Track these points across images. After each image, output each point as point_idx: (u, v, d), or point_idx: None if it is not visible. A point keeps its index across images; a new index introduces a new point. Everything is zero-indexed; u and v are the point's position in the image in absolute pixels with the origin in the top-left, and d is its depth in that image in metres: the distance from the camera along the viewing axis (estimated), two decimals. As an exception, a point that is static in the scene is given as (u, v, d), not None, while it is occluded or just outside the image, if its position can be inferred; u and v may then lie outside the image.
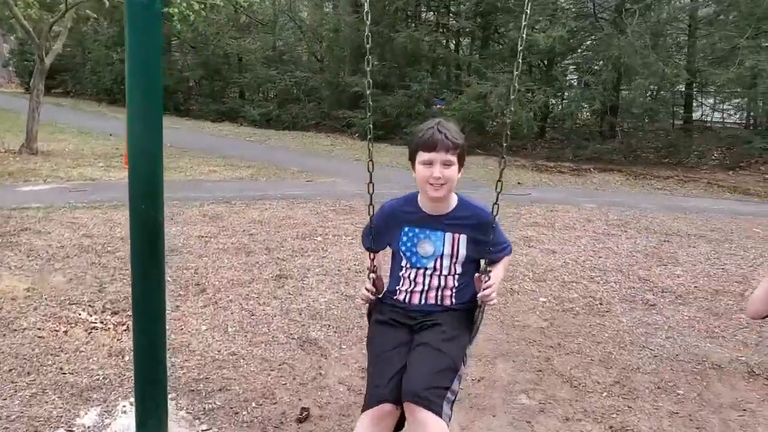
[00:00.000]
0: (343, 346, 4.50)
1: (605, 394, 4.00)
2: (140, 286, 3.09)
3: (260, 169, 12.50)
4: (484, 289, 2.69)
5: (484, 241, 2.71)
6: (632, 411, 3.81)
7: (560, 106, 18.62)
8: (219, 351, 4.35)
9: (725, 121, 21.30)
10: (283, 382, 3.96)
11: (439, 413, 2.44)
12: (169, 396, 3.66)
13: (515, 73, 2.78)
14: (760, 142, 15.62)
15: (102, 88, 26.26)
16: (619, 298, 5.79)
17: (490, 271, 2.74)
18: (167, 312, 5.01)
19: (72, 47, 27.51)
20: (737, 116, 20.27)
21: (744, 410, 3.87)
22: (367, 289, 2.84)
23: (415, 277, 2.78)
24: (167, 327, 4.70)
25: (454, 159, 2.65)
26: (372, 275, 2.86)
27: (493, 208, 2.69)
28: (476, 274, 2.76)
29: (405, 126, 17.61)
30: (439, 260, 2.75)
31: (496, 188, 2.66)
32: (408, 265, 2.79)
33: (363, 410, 2.57)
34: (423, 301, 2.78)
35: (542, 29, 15.68)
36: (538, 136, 18.22)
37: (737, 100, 18.49)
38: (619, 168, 15.48)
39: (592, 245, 7.63)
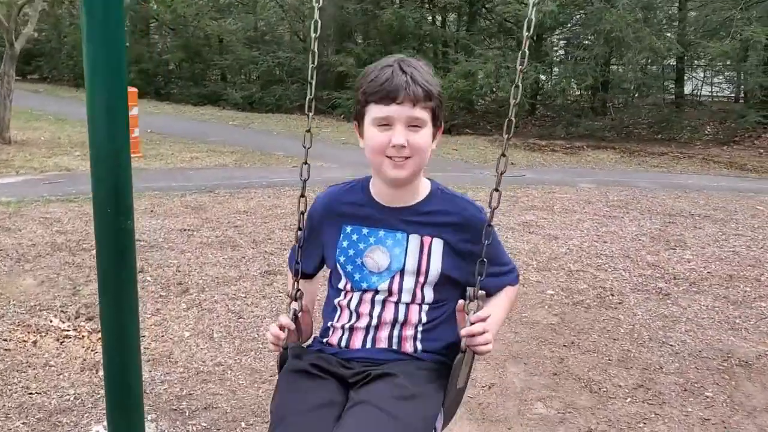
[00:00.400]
0: (340, 352, 4.13)
1: (629, 399, 3.66)
2: (109, 302, 2.69)
3: (244, 154, 12.05)
4: (472, 323, 1.66)
5: (472, 252, 1.73)
6: (660, 419, 3.47)
7: (550, 82, 18.22)
8: (204, 361, 3.96)
9: (714, 94, 21.02)
10: (276, 397, 3.58)
11: None
12: (149, 417, 3.29)
13: (524, 58, 1.72)
14: (755, 115, 15.31)
15: (79, 73, 25.37)
16: (631, 287, 5.45)
17: (482, 296, 1.74)
18: (147, 317, 4.64)
19: (47, 31, 26.79)
20: (729, 90, 19.97)
21: (781, 414, 3.55)
22: (280, 327, 1.80)
23: (358, 305, 1.80)
24: (146, 335, 4.35)
25: (425, 116, 1.71)
26: (294, 305, 1.86)
27: (491, 198, 1.70)
28: (460, 302, 1.73)
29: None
30: (397, 278, 1.77)
31: (497, 168, 1.70)
32: (349, 287, 1.82)
33: None
34: (369, 344, 1.78)
35: (532, 3, 15.24)
36: (528, 113, 17.84)
37: (729, 73, 18.16)
38: (612, 145, 15.17)
39: (595, 229, 7.29)
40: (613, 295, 5.26)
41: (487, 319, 1.68)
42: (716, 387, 3.82)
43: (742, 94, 19.19)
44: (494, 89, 16.26)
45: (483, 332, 1.66)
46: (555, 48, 19.15)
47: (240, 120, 17.89)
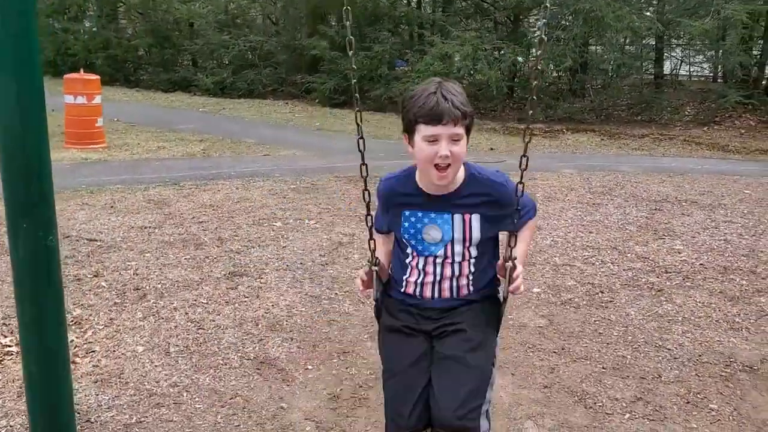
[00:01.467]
0: (309, 367, 3.74)
1: (627, 415, 3.33)
2: (30, 334, 2.29)
3: (213, 143, 11.56)
4: (510, 281, 2.22)
5: (502, 216, 2.30)
6: (663, 438, 3.15)
7: (528, 64, 17.83)
8: (158, 381, 3.57)
9: (692, 74, 20.79)
10: (236, 423, 3.20)
11: None
12: (91, 453, 2.90)
13: (545, 28, 1.58)
14: (735, 95, 15.07)
15: (44, 60, 24.71)
16: (621, 283, 5.13)
17: (514, 258, 2.22)
18: (99, 328, 4.23)
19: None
20: (708, 69, 19.74)
21: (793, 428, 3.24)
22: (363, 281, 2.41)
23: (424, 266, 2.36)
24: (96, 350, 3.94)
25: (462, 132, 2.18)
26: (377, 261, 2.40)
27: (517, 189, 2.25)
28: (499, 262, 2.30)
29: (368, 90, 16.70)
30: (449, 246, 2.31)
31: (520, 165, 2.20)
32: (414, 254, 2.37)
33: (387, 430, 2.32)
34: (437, 294, 2.36)
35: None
36: (506, 96, 17.48)
37: (710, 53, 17.89)
38: (592, 127, 14.87)
39: (580, 218, 6.97)
40: (603, 292, 4.94)
41: (520, 273, 2.22)
42: (721, 397, 3.51)
43: (721, 74, 18.98)
44: (471, 72, 15.84)
45: (519, 284, 2.21)
46: (533, 29, 18.74)
47: (211, 106, 17.34)
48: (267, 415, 3.25)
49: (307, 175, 8.80)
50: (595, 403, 3.43)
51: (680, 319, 4.48)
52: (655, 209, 7.46)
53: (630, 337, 4.19)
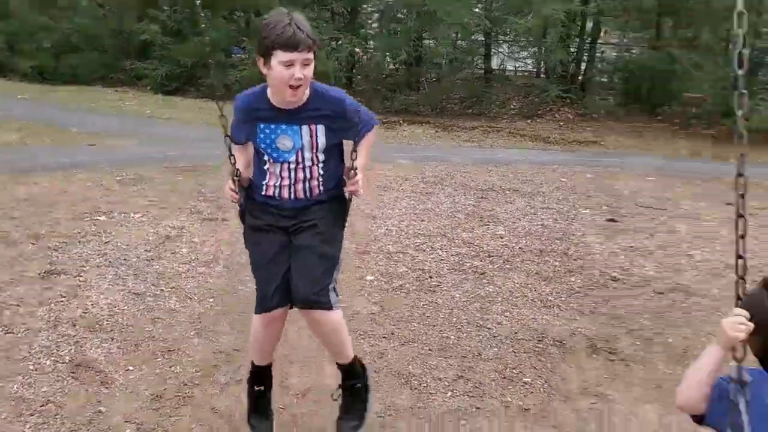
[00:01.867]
0: (131, 367, 3.57)
1: (449, 393, 3.49)
2: None
3: (33, 131, 10.65)
4: (351, 185, 2.69)
5: (343, 126, 2.72)
6: (481, 413, 3.33)
7: (366, 56, 18.09)
8: (-44, 393, 3.26)
9: (518, 69, 22.06)
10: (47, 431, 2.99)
11: (330, 307, 2.66)
12: None
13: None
14: (556, 90, 16.20)
15: None
16: (448, 267, 5.35)
17: (356, 169, 2.68)
18: None
19: None
20: (531, 65, 20.99)
21: (595, 396, 3.54)
22: (231, 189, 2.73)
23: (280, 171, 2.72)
24: None
25: (312, 57, 2.55)
26: (237, 172, 2.72)
27: (356, 111, 2.73)
28: (346, 167, 2.75)
29: (201, 77, 16.22)
30: (300, 153, 2.69)
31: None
32: (271, 161, 2.72)
33: (256, 312, 2.71)
34: (293, 196, 2.73)
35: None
36: (345, 87, 17.63)
37: (534, 50, 19.04)
38: (427, 120, 15.38)
39: (413, 207, 7.18)
40: (431, 277, 5.13)
41: (360, 177, 2.67)
42: (534, 371, 3.76)
43: (543, 70, 20.28)
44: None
45: (358, 188, 2.69)
46: (370, 21, 19.02)
47: (31, 93, 15.96)
48: (83, 421, 3.07)
49: (134, 165, 8.38)
50: (420, 384, 3.56)
51: (500, 299, 4.75)
52: (482, 197, 7.85)
53: (454, 319, 4.39)
